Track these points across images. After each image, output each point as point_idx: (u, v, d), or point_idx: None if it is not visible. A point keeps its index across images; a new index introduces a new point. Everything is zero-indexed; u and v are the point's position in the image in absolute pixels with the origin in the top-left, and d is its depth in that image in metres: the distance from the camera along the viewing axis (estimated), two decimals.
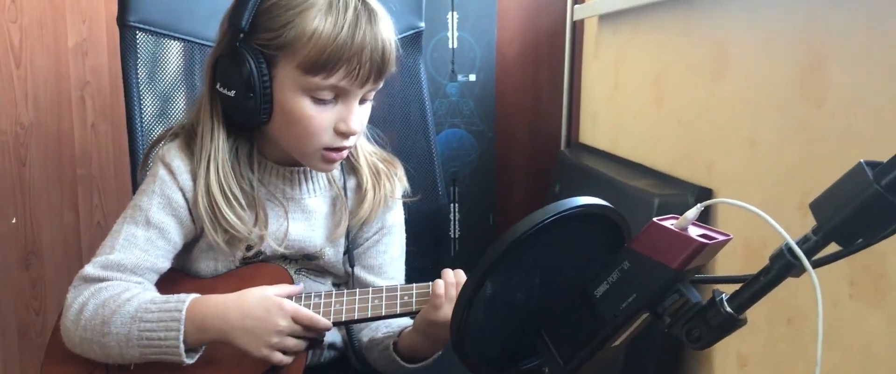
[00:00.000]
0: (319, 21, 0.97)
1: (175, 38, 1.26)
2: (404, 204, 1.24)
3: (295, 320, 0.98)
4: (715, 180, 1.50)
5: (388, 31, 1.02)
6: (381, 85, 1.06)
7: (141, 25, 1.23)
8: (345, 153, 1.07)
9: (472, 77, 2.38)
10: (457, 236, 2.47)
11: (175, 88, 1.27)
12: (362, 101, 1.05)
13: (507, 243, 0.58)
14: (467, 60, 2.37)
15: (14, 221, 2.17)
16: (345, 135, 1.03)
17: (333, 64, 0.97)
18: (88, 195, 2.23)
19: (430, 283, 1.03)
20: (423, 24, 1.43)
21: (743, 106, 1.39)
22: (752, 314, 0.58)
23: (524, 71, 2.48)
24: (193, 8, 1.25)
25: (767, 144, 1.31)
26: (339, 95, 1.01)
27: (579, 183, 2.08)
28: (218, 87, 1.03)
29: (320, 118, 1.01)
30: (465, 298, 0.60)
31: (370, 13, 1.00)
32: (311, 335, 1.01)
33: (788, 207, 1.23)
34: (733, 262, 1.40)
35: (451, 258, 2.46)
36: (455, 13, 2.34)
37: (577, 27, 2.43)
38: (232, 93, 1.01)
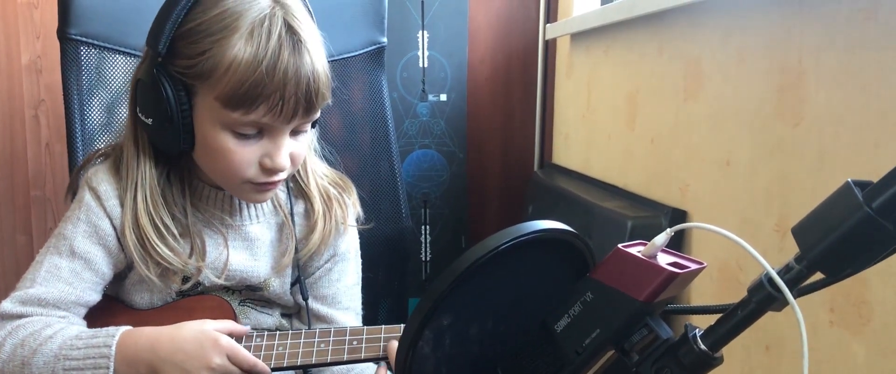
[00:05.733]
0: (238, 51, 0.87)
1: (120, 53, 1.18)
2: (363, 228, 1.17)
3: (231, 360, 0.89)
4: (689, 202, 1.46)
5: (317, 61, 0.92)
6: (315, 117, 0.97)
7: (83, 39, 1.16)
8: (276, 186, 0.99)
9: (443, 97, 2.33)
10: (428, 258, 2.41)
11: (119, 105, 1.20)
12: (296, 132, 0.96)
13: (457, 273, 0.52)
14: (438, 80, 2.33)
15: None
16: (272, 171, 0.95)
17: (252, 100, 0.88)
18: (42, 218, 2.14)
19: (382, 327, 0.96)
20: (384, 40, 1.38)
21: (717, 125, 1.35)
22: None
23: (496, 91, 2.44)
24: (139, 21, 1.17)
25: (742, 164, 1.26)
26: (264, 129, 0.93)
27: (552, 205, 2.03)
28: (138, 112, 0.95)
29: (243, 153, 0.92)
30: (410, 335, 0.53)
31: (295, 42, 0.90)
32: None
33: (765, 228, 1.18)
34: (708, 286, 1.35)
35: (422, 282, 2.40)
36: (425, 32, 2.30)
37: (550, 46, 2.39)
38: (150, 121, 0.93)
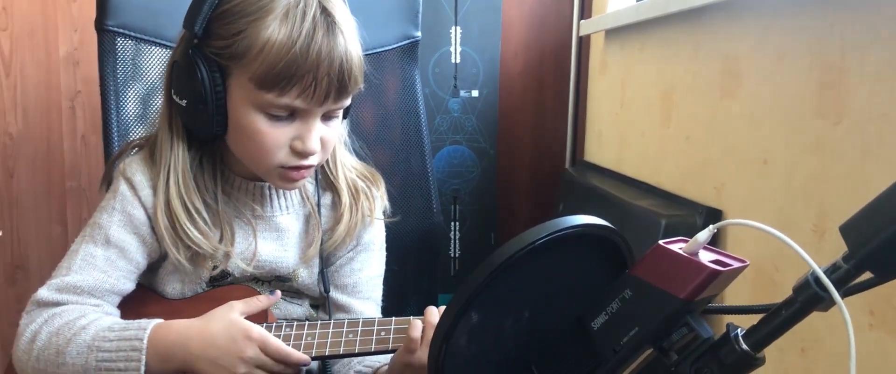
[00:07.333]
0: (272, 32, 0.88)
1: (156, 44, 1.19)
2: (393, 222, 1.16)
3: (263, 350, 0.90)
4: (725, 201, 1.43)
5: (350, 44, 0.92)
6: (347, 102, 0.97)
7: (120, 30, 1.17)
8: (306, 172, 0.98)
9: (475, 93, 2.32)
10: (457, 255, 2.40)
11: (155, 97, 1.20)
12: (328, 117, 0.97)
13: (494, 266, 0.51)
14: (470, 76, 2.32)
15: (0, 234, 2.11)
16: (302, 154, 0.95)
17: (285, 81, 0.89)
18: (77, 208, 2.17)
19: (410, 318, 0.96)
20: (419, 34, 1.37)
21: (754, 123, 1.32)
22: None
23: (528, 87, 2.43)
24: (174, 13, 1.17)
25: (780, 162, 1.24)
26: (296, 112, 0.93)
27: (583, 202, 2.02)
28: (173, 95, 0.96)
29: (274, 135, 0.93)
30: (444, 327, 0.53)
31: (329, 24, 0.90)
32: (285, 370, 0.91)
33: (803, 229, 1.16)
34: (742, 286, 1.33)
35: (451, 278, 2.39)
36: (458, 28, 2.29)
37: (584, 43, 2.37)
38: (184, 102, 0.94)
